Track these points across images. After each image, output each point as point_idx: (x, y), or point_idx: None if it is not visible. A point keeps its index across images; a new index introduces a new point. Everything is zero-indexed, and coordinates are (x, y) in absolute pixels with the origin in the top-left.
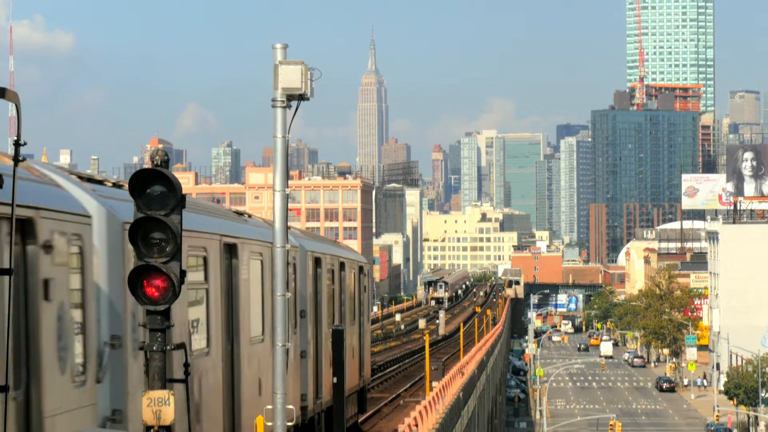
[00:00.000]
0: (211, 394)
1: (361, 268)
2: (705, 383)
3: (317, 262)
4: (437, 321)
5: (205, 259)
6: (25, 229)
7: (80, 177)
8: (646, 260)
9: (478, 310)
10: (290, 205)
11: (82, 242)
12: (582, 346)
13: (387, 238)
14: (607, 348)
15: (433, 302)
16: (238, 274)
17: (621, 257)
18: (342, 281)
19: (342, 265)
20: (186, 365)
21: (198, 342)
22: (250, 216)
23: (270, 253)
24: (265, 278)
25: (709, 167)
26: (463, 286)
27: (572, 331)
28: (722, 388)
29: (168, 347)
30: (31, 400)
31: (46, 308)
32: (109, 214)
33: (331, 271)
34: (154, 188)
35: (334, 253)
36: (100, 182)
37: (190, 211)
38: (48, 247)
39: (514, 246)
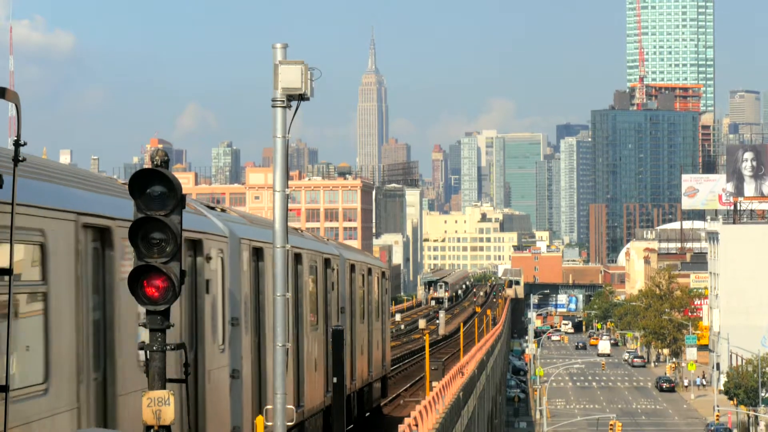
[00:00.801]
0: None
1: (383, 273)
2: (704, 382)
3: (352, 268)
4: (437, 321)
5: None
6: (195, 247)
7: (208, 207)
8: (646, 260)
9: (478, 310)
10: (290, 206)
11: (223, 254)
12: (580, 344)
13: (387, 239)
14: (604, 346)
15: (433, 302)
16: (302, 278)
17: (621, 257)
18: (369, 284)
19: (369, 271)
20: (185, 365)
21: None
22: (302, 231)
23: (321, 260)
24: (318, 282)
25: (709, 167)
26: (463, 286)
27: (572, 331)
28: (722, 388)
29: (168, 347)
30: (198, 359)
31: (207, 299)
32: (231, 233)
33: (362, 275)
34: (154, 188)
35: (364, 260)
36: (223, 210)
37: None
38: (209, 258)
39: (514, 246)
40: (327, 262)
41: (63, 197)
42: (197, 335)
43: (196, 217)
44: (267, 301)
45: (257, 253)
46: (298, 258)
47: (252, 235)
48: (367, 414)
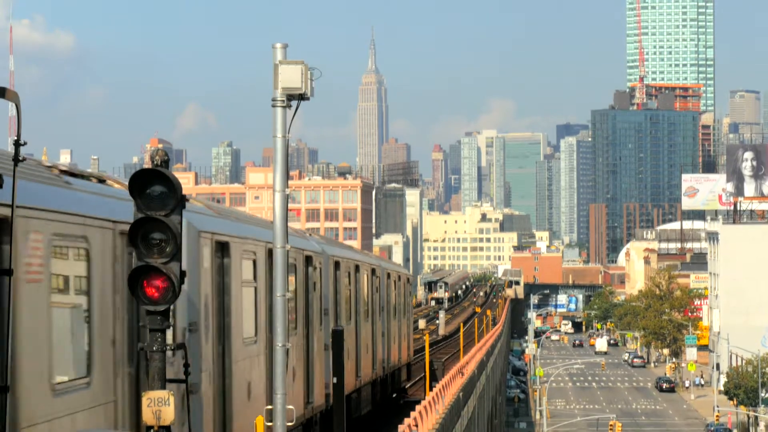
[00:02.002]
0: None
1: (408, 279)
2: (702, 381)
3: (388, 276)
4: (437, 321)
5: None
6: (308, 261)
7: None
8: (646, 261)
9: (478, 310)
10: (290, 206)
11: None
12: (577, 341)
13: (387, 239)
14: (602, 344)
15: (433, 302)
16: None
17: (621, 258)
18: (399, 288)
19: (399, 277)
20: (186, 365)
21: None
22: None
23: (360, 267)
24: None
25: (709, 167)
26: (463, 287)
27: (572, 331)
28: (722, 389)
29: (168, 347)
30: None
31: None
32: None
33: (394, 281)
34: (154, 188)
35: (395, 269)
36: (311, 234)
37: (339, 246)
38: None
39: (514, 246)
40: (357, 269)
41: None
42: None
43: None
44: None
45: (222, 249)
46: (337, 265)
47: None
48: (394, 395)
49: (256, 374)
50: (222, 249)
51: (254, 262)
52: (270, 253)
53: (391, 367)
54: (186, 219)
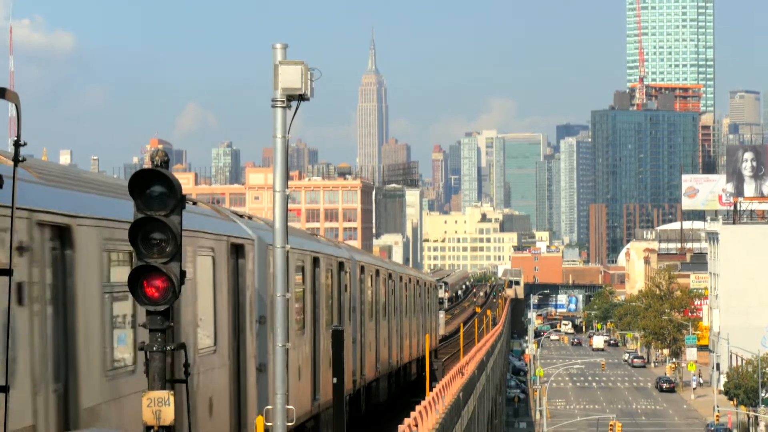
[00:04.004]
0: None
1: (436, 287)
2: (700, 381)
3: (423, 284)
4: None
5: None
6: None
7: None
8: (646, 261)
9: (478, 310)
10: (290, 206)
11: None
12: (575, 340)
13: (387, 239)
14: (599, 341)
15: None
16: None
17: (621, 258)
18: (429, 293)
19: (431, 284)
20: (186, 365)
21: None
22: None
23: (389, 273)
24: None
25: (709, 167)
26: (463, 287)
27: (572, 331)
28: (722, 389)
29: (168, 347)
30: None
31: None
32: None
33: (428, 289)
34: (153, 189)
35: (427, 279)
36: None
37: (368, 255)
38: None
39: (514, 246)
40: (378, 273)
41: (219, 226)
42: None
43: (412, 272)
44: (425, 303)
45: (423, 285)
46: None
47: (419, 276)
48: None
49: (303, 355)
50: (422, 285)
51: (428, 289)
52: (431, 284)
53: (403, 360)
54: (416, 275)
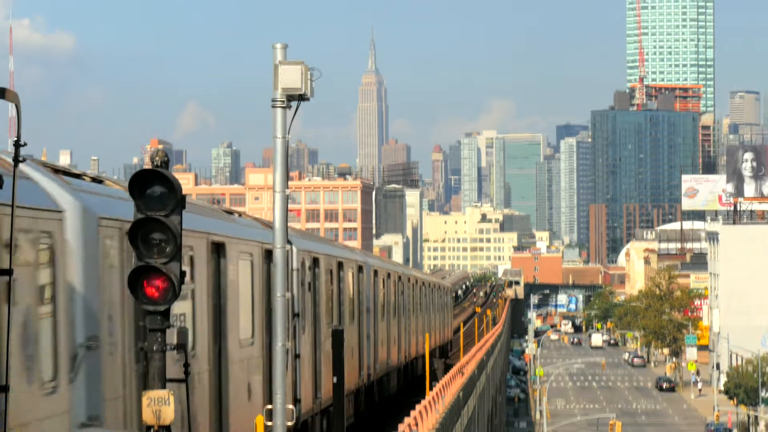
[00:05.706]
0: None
1: (453, 291)
2: (698, 379)
3: (444, 289)
4: None
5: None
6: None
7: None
8: (646, 261)
9: (478, 310)
10: (290, 206)
11: (332, 267)
12: (575, 339)
13: (387, 239)
14: (597, 339)
15: None
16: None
17: (621, 258)
18: (448, 296)
19: (448, 289)
20: (186, 365)
21: None
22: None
23: (400, 275)
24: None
25: (709, 168)
26: (463, 287)
27: (572, 331)
28: (722, 388)
29: (168, 347)
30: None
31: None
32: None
33: (448, 294)
34: (154, 189)
35: (432, 280)
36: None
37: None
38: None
39: (514, 246)
40: (390, 275)
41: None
42: None
43: (437, 281)
44: (444, 306)
45: (444, 289)
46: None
47: (442, 282)
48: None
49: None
50: (443, 289)
51: (448, 293)
52: (447, 289)
53: (411, 356)
54: (437, 282)
